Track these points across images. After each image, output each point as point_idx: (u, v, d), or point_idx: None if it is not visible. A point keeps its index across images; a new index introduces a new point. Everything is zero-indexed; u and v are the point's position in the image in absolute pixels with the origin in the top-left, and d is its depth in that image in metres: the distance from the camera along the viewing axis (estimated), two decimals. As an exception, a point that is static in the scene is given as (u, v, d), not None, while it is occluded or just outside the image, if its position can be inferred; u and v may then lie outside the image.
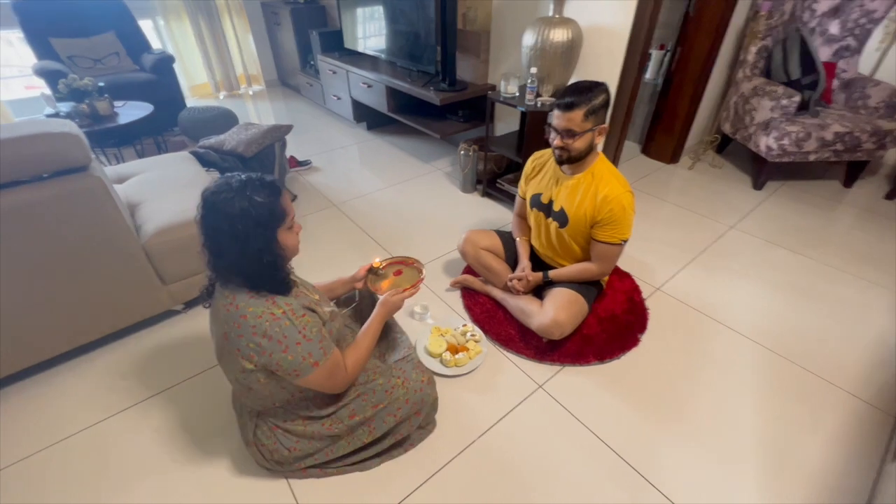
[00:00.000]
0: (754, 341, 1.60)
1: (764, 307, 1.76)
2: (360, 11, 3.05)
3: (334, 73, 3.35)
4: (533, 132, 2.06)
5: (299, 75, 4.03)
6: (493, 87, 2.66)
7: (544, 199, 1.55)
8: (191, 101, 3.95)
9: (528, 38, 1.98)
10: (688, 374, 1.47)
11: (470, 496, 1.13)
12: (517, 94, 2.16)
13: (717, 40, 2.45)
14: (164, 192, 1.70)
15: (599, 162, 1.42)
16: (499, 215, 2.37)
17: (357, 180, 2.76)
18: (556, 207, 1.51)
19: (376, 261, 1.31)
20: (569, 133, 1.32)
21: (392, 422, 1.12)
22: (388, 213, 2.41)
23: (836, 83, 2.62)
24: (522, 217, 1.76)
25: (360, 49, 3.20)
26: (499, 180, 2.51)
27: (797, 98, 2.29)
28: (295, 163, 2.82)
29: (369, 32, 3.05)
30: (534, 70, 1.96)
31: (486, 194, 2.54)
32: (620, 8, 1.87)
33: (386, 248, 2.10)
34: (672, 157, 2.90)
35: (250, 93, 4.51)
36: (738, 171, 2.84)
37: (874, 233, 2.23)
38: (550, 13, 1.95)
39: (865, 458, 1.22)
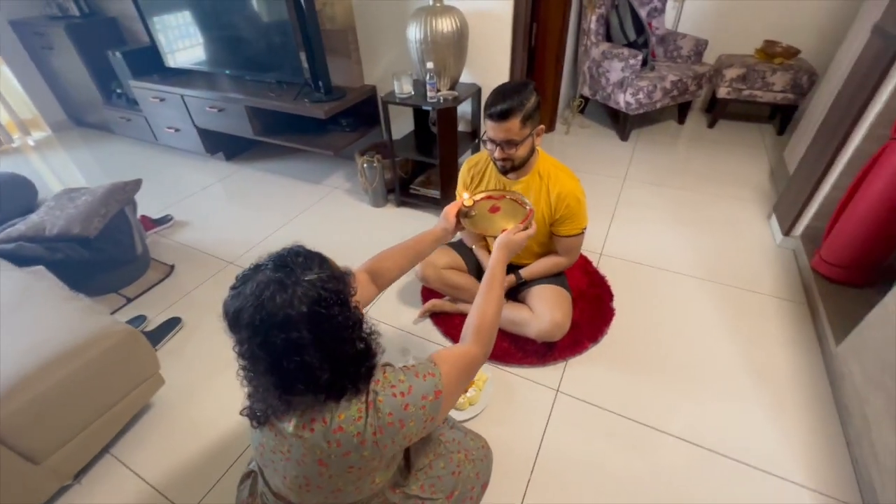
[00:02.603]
0: (691, 276, 1.81)
1: (680, 243, 2.00)
2: (179, 20, 2.46)
3: (162, 100, 2.68)
4: (444, 130, 1.94)
5: (104, 110, 3.14)
6: (374, 89, 2.44)
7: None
8: (-64, 174, 2.76)
9: (414, 31, 1.82)
10: (664, 326, 1.59)
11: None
12: (413, 92, 2.00)
13: (566, 12, 2.64)
14: (-21, 328, 1.11)
15: (542, 160, 1.38)
16: (425, 223, 2.22)
17: (243, 225, 2.28)
18: None
19: (466, 198, 1.08)
20: (510, 143, 1.22)
21: (470, 507, 0.95)
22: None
23: (653, 40, 3.09)
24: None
25: (191, 66, 2.61)
26: (412, 186, 2.34)
27: (640, 56, 2.62)
28: (151, 224, 2.19)
29: (199, 45, 2.49)
30: (430, 65, 1.83)
31: (401, 204, 2.35)
32: (498, -10, 1.85)
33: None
34: (549, 125, 3.10)
35: (31, 143, 3.38)
36: (603, 126, 3.19)
37: (716, 157, 2.73)
38: (430, 2, 1.82)
39: (808, 347, 1.48)
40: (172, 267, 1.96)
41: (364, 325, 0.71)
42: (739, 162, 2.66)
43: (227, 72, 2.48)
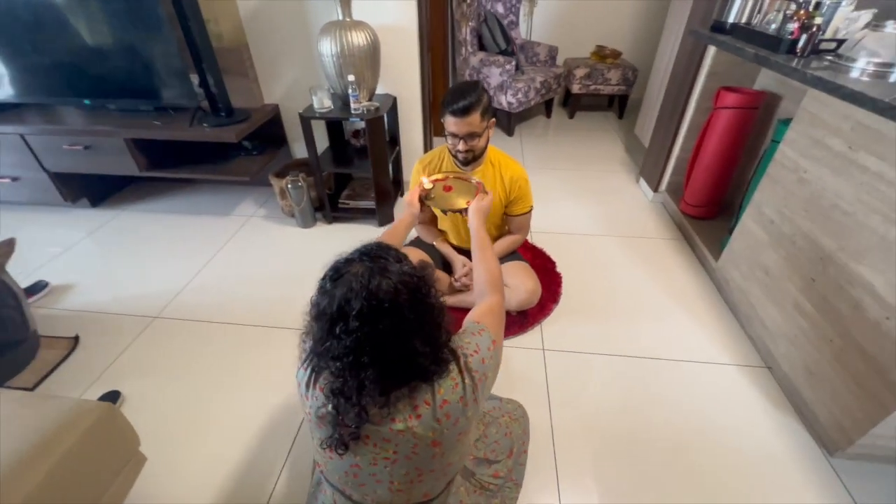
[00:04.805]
0: (599, 235, 2.20)
1: (582, 211, 2.40)
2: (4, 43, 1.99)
3: (-11, 144, 2.11)
4: (375, 141, 1.98)
5: None
6: (277, 108, 2.34)
7: None
8: None
9: (328, 46, 1.83)
10: (598, 277, 1.92)
11: (600, 469, 1.21)
12: (332, 106, 1.99)
13: (446, 25, 2.90)
14: None
15: (491, 150, 1.56)
16: (364, 236, 2.17)
17: (153, 275, 1.96)
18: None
19: (426, 184, 1.24)
20: (472, 136, 1.37)
21: (525, 460, 1.06)
22: (238, 293, 1.85)
23: (514, 48, 3.57)
24: (426, 223, 1.75)
25: (24, 99, 2.13)
26: (340, 201, 2.31)
27: (513, 62, 3.02)
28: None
29: (38, 71, 2.04)
30: (351, 77, 1.86)
31: (333, 220, 2.30)
32: (402, 5, 1.97)
33: (276, 326, 1.67)
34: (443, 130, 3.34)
35: None
36: (489, 126, 3.55)
37: (582, 141, 3.30)
38: (339, 16, 1.85)
39: (695, 269, 1.96)
40: (77, 339, 1.60)
41: (445, 309, 0.74)
42: (600, 143, 3.27)
43: (87, 102, 2.09)
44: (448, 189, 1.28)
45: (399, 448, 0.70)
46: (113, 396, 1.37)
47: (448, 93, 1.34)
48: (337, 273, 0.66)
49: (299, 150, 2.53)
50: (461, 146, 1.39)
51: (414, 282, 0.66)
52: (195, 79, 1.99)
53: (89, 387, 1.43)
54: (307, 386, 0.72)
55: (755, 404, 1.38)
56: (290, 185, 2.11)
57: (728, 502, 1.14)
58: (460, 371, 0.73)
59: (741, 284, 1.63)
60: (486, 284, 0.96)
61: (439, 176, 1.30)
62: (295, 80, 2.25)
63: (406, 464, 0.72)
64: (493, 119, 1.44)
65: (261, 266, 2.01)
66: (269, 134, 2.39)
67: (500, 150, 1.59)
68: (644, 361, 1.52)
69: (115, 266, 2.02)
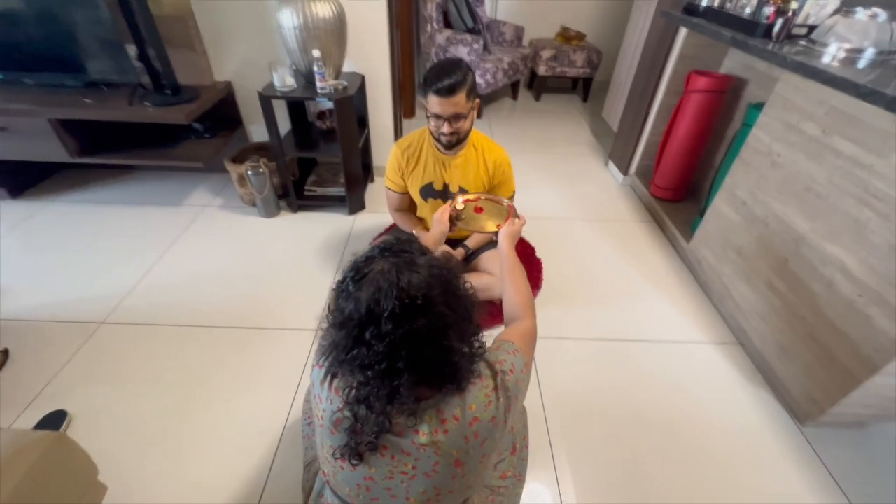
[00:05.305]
0: (573, 218, 2.21)
1: (554, 195, 2.39)
2: None
3: None
4: (345, 123, 1.84)
5: None
6: (230, 86, 2.13)
7: (437, 186, 1.52)
8: None
9: (289, 17, 1.66)
10: (576, 260, 1.93)
11: (593, 450, 1.22)
12: (295, 85, 1.83)
13: (412, 1, 2.75)
14: None
15: (473, 133, 1.49)
16: (334, 225, 2.08)
17: (94, 276, 1.73)
18: (453, 189, 1.51)
19: (459, 203, 1.22)
20: (457, 117, 1.29)
21: (527, 455, 1.04)
22: (196, 292, 1.68)
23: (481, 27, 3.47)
24: (404, 210, 1.66)
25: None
26: (306, 188, 2.15)
27: (481, 41, 2.93)
28: (-72, 305, 1.48)
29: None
30: (317, 53, 1.70)
31: (299, 208, 2.14)
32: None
33: (245, 327, 1.54)
34: (410, 112, 3.21)
35: None
36: (456, 108, 3.46)
37: (549, 123, 3.29)
38: (301, -15, 1.68)
39: (666, 250, 2.01)
40: (6, 353, 1.39)
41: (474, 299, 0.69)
42: (567, 126, 3.28)
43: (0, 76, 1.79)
44: (479, 210, 1.24)
45: (419, 463, 0.65)
46: (57, 418, 1.20)
47: (430, 71, 1.25)
48: (359, 273, 0.59)
49: (256, 133, 2.33)
50: (445, 128, 1.30)
51: (444, 274, 0.60)
52: (132, 51, 1.75)
53: (26, 408, 1.25)
54: (322, 386, 0.66)
55: (730, 379, 1.44)
56: (250, 172, 1.93)
57: (709, 473, 1.18)
58: (496, 388, 0.68)
59: (713, 264, 1.69)
60: (520, 307, 0.92)
61: (471, 196, 1.26)
62: (249, 55, 2.04)
63: (425, 481, 0.66)
64: (478, 100, 1.37)
65: (221, 261, 1.83)
66: (222, 115, 2.18)
67: (482, 134, 1.52)
68: (624, 344, 1.54)
69: (45, 267, 1.77)
